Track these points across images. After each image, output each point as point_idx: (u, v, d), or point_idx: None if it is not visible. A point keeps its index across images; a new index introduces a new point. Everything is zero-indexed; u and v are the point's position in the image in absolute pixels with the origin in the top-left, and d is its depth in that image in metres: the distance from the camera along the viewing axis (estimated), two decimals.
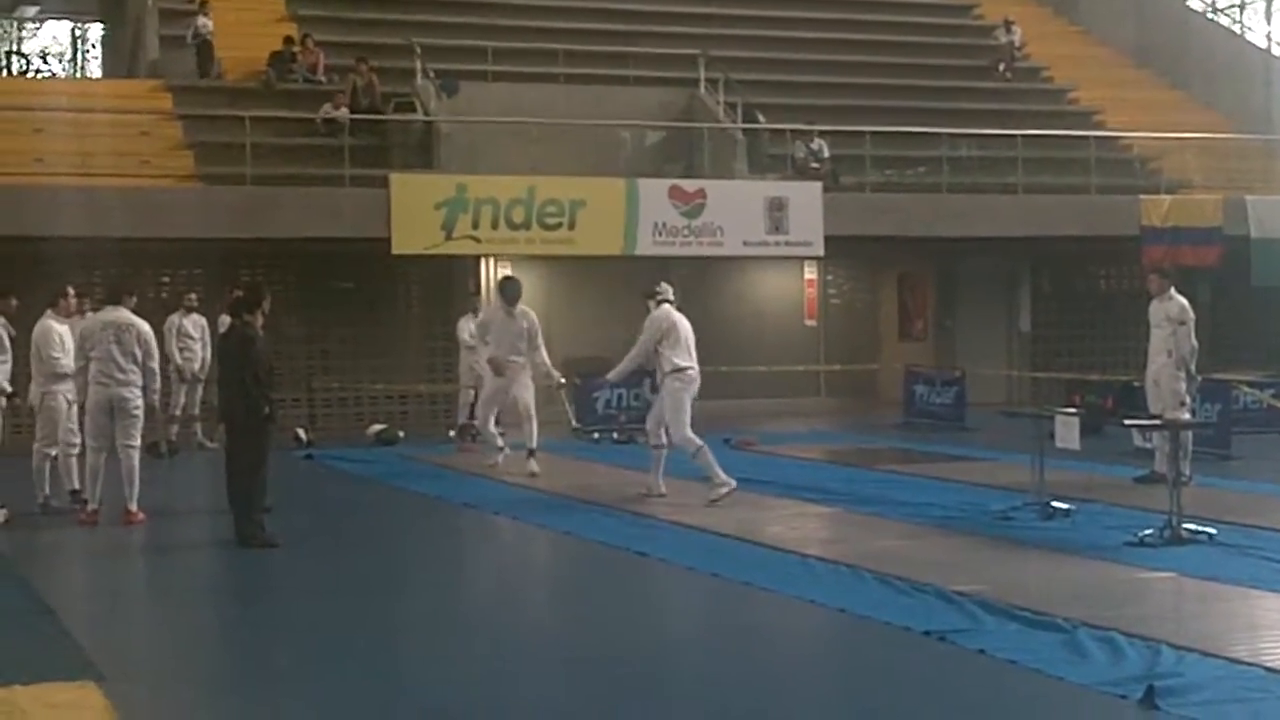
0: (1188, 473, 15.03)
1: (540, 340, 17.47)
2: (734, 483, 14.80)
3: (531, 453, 17.16)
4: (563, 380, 18.95)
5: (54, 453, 14.73)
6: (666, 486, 15.24)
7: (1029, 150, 26.36)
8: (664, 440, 15.20)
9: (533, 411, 17.41)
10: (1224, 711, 7.36)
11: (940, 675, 8.51)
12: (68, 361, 14.50)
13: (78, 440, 14.65)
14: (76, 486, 14.70)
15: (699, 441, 14.89)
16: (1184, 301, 15.92)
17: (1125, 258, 25.61)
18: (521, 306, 17.55)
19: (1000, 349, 27.38)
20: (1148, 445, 16.54)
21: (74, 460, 14.77)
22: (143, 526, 13.90)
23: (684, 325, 15.19)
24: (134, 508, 14.00)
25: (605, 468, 18.10)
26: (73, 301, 15.34)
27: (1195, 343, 15.80)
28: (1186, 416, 15.44)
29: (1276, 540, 12.20)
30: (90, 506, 13.98)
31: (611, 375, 16.10)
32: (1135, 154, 28.08)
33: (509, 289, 17.75)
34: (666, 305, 15.23)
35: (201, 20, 25.37)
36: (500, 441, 17.69)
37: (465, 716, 7.86)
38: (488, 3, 28.96)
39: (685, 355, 15.04)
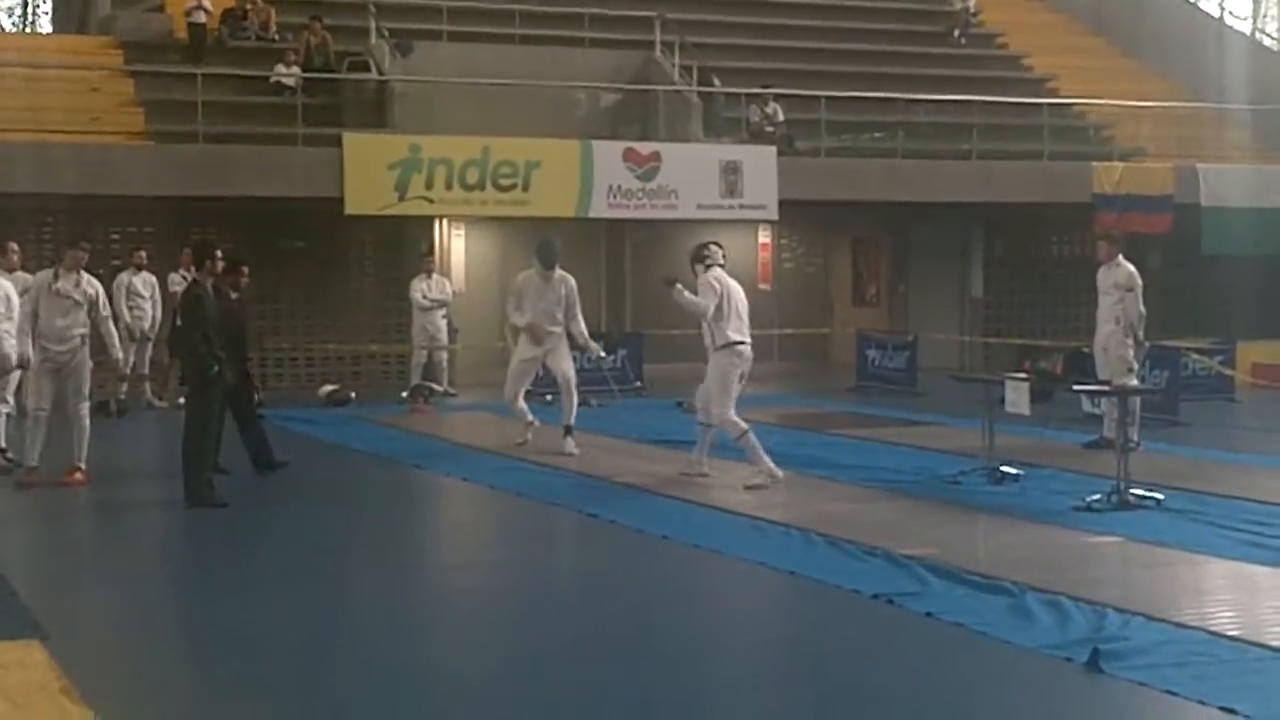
0: (1136, 439, 15.13)
1: (578, 309, 16.11)
2: (780, 475, 13.49)
3: (569, 430, 15.89)
4: (602, 353, 17.53)
5: (5, 410, 14.62)
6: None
7: (983, 116, 26.42)
8: (713, 418, 13.92)
9: (573, 385, 16.02)
10: (1168, 675, 7.41)
11: (888, 638, 8.56)
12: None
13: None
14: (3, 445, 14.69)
15: (744, 425, 13.66)
16: (1131, 268, 16.00)
17: (1078, 224, 25.76)
18: (560, 271, 16.06)
19: (952, 314, 27.47)
20: (1097, 411, 16.65)
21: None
22: (90, 487, 13.81)
23: (738, 293, 13.89)
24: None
25: (559, 430, 18.04)
26: (16, 257, 15.19)
27: (1143, 309, 15.90)
28: (1134, 383, 15.53)
29: (1223, 505, 12.32)
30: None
31: (684, 297, 13.79)
32: (1089, 121, 28.17)
33: (546, 252, 16.09)
34: (718, 269, 13.92)
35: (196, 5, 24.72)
36: (530, 416, 16.38)
37: (416, 673, 7.86)
38: None
39: (739, 328, 13.75)
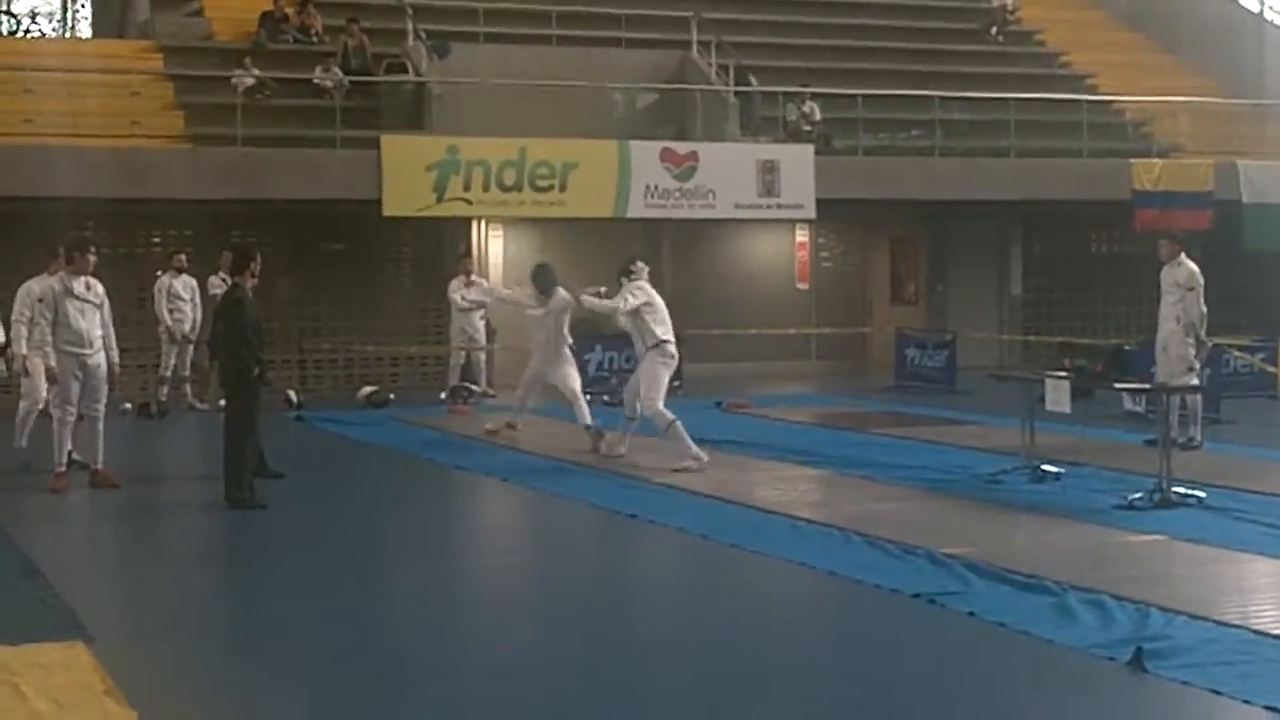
0: (1199, 437, 15.12)
1: (569, 314, 16.40)
2: (705, 459, 14.53)
3: (591, 428, 16.05)
4: (603, 289, 17.67)
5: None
6: (639, 447, 15.20)
7: (1021, 114, 26.30)
8: (638, 414, 15.10)
9: (578, 392, 16.44)
10: (1211, 673, 7.38)
11: (930, 638, 8.53)
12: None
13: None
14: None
15: (670, 415, 14.76)
16: (1193, 267, 15.73)
17: (1117, 221, 25.62)
18: (554, 298, 16.35)
19: (991, 312, 27.36)
20: (1138, 409, 16.53)
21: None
22: (130, 488, 13.86)
23: (660, 301, 15.21)
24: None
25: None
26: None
27: (1204, 308, 15.64)
28: (1194, 382, 15.39)
29: (1265, 504, 12.25)
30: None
31: (592, 301, 15.51)
32: (1127, 118, 28.02)
33: (541, 278, 16.66)
34: (641, 280, 15.15)
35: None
36: (513, 418, 17.06)
37: (447, 674, 7.87)
38: None
39: (666, 329, 15.05)
